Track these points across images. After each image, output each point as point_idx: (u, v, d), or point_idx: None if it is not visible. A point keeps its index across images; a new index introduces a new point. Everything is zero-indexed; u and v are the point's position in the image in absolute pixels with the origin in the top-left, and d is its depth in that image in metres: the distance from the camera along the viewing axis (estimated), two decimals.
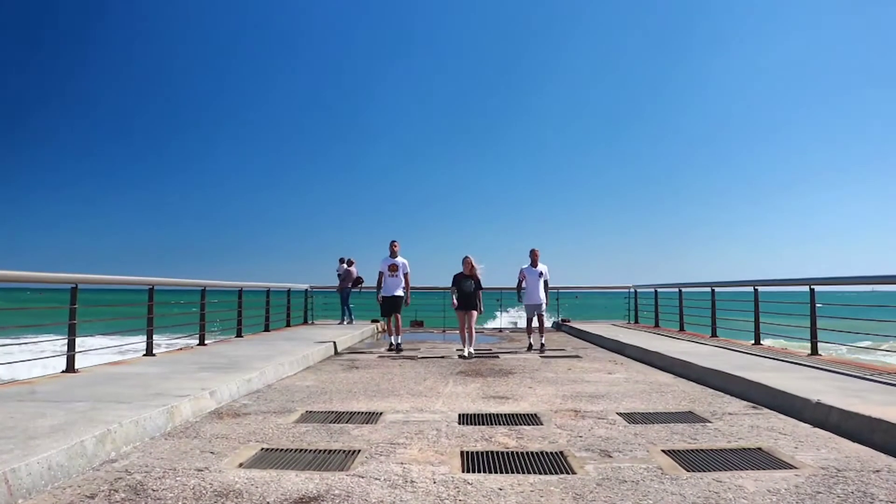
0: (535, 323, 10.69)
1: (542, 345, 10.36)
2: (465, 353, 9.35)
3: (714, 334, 11.33)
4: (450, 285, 9.96)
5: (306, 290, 16.19)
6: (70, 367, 6.56)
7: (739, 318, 10.97)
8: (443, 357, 9.41)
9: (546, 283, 10.51)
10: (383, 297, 10.44)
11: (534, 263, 10.50)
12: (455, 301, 9.81)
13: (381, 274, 10.42)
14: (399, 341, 10.52)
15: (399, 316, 10.58)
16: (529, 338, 10.69)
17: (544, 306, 10.60)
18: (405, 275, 10.40)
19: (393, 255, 10.44)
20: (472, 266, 9.76)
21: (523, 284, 10.56)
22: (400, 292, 10.40)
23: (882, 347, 13.32)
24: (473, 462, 3.62)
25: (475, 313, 9.83)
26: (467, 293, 9.70)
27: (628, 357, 9.38)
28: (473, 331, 9.81)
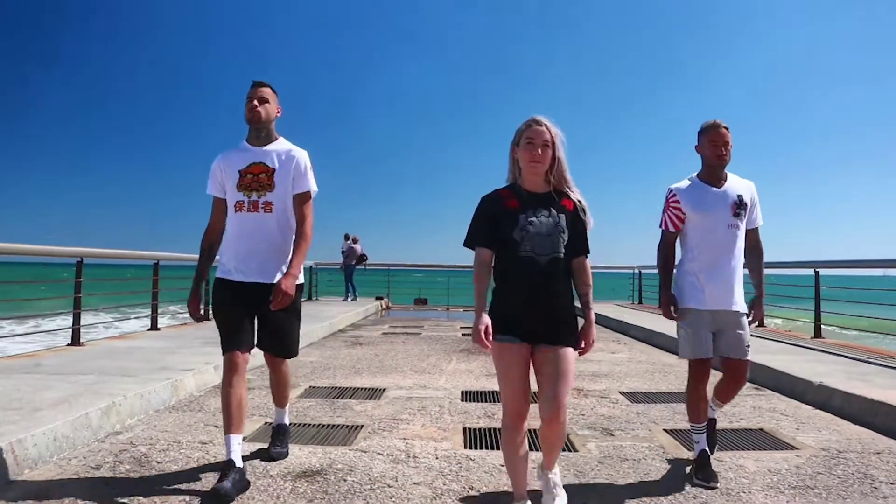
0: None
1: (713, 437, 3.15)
2: None
3: None
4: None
5: (310, 266, 16.22)
6: (75, 341, 6.60)
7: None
8: (446, 335, 9.43)
9: (755, 238, 3.14)
10: (219, 281, 2.97)
11: (714, 177, 2.96)
12: (485, 318, 2.19)
13: (214, 207, 3.00)
14: (285, 423, 3.28)
15: (286, 367, 3.37)
16: (703, 426, 2.99)
17: (747, 318, 3.05)
18: (301, 206, 2.92)
19: (257, 138, 2.93)
20: (554, 147, 2.28)
21: (688, 242, 3.04)
22: (277, 269, 2.92)
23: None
24: (476, 438, 3.64)
25: (571, 354, 2.27)
26: (538, 274, 2.24)
27: (632, 337, 9.40)
28: (564, 433, 2.32)
